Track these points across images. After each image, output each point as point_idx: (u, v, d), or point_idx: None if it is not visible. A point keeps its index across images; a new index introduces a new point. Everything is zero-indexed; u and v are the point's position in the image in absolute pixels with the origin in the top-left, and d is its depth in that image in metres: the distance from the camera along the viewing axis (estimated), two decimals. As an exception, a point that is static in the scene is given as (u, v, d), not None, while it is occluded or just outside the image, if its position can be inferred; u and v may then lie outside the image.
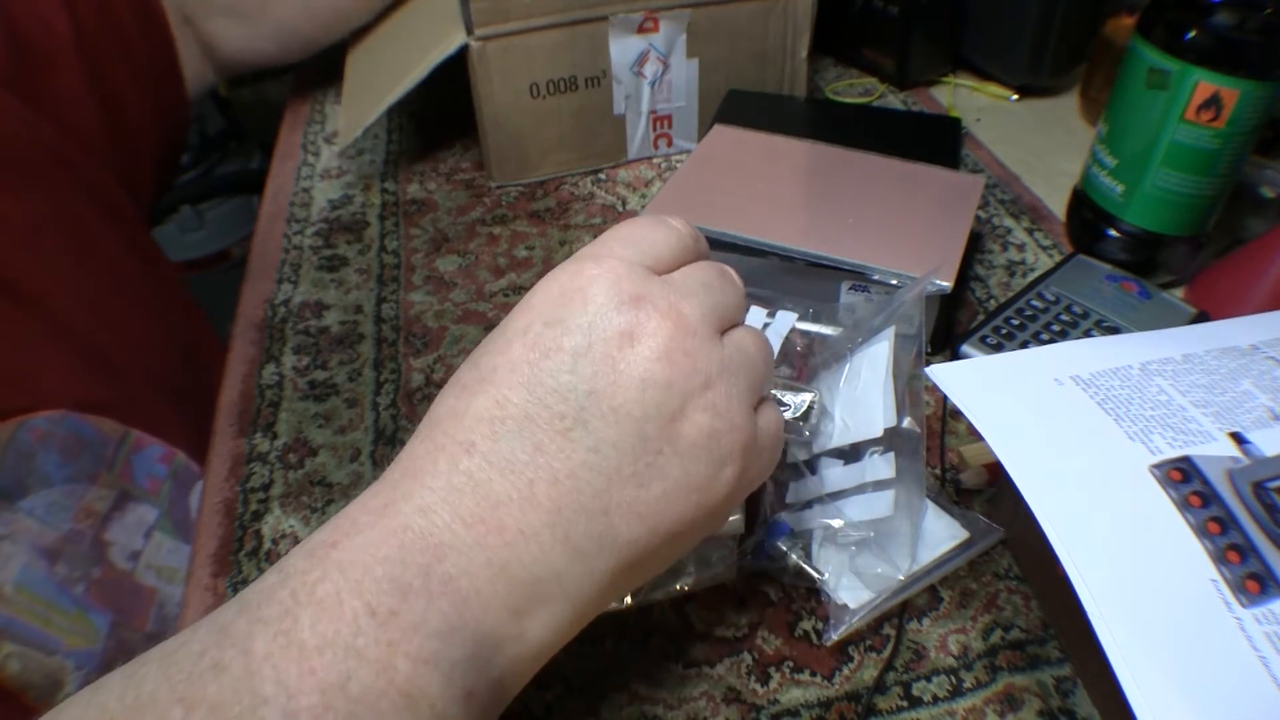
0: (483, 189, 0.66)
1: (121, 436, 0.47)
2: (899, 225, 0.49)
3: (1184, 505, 0.29)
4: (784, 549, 0.38)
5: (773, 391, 0.40)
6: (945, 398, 0.35)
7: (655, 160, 0.68)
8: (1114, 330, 0.47)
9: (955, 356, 0.48)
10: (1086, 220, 0.55)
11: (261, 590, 0.25)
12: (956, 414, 0.46)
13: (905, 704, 0.35)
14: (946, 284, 0.45)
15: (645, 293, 0.29)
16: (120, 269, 0.53)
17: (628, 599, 0.37)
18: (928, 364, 0.36)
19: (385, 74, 0.64)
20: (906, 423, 0.39)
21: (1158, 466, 0.30)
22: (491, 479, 0.27)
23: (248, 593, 0.26)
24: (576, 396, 0.27)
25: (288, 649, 0.23)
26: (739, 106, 0.64)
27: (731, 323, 0.31)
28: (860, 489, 0.39)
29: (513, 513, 0.27)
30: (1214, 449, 0.30)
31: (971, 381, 0.34)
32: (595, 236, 0.62)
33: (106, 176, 0.54)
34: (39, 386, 0.45)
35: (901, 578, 0.37)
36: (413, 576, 0.25)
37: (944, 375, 0.35)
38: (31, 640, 0.42)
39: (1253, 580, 0.27)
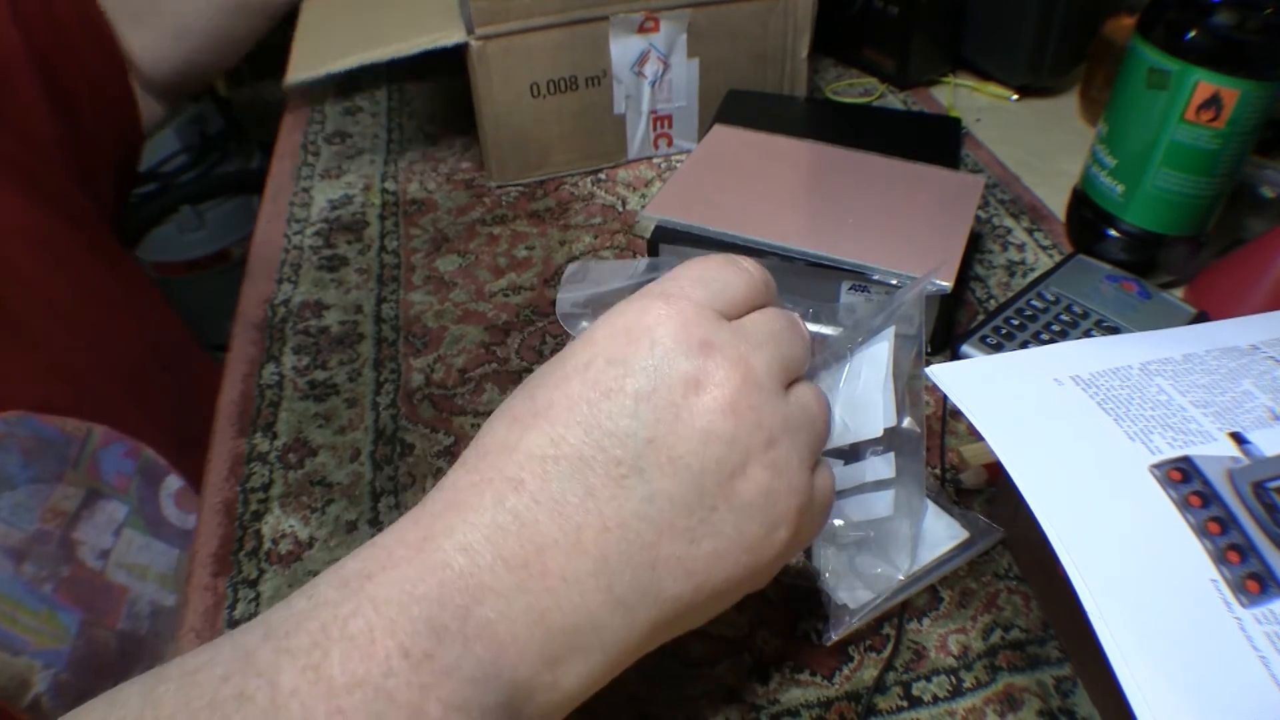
0: (483, 189, 0.66)
1: (85, 434, 0.47)
2: (899, 225, 0.49)
3: (1184, 505, 0.29)
4: (784, 549, 0.37)
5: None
6: (945, 398, 0.35)
7: (655, 160, 0.68)
8: (1114, 330, 0.47)
9: (955, 356, 0.48)
10: (1086, 220, 0.55)
11: (289, 617, 0.24)
12: (956, 414, 0.46)
13: (905, 704, 0.35)
14: (946, 284, 0.45)
15: (714, 339, 0.27)
16: (82, 271, 0.53)
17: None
18: (928, 364, 0.36)
19: (361, 33, 0.63)
20: (906, 423, 0.39)
21: (1158, 466, 0.30)
22: (539, 520, 0.26)
23: (274, 616, 0.25)
24: (635, 443, 0.26)
25: (316, 684, 0.23)
26: (739, 106, 0.64)
27: (797, 375, 0.30)
28: (860, 489, 0.38)
29: (557, 558, 0.26)
30: (1214, 449, 0.30)
31: (971, 381, 0.34)
32: (595, 236, 0.63)
33: (67, 184, 0.54)
34: None
35: (901, 578, 0.37)
36: (450, 618, 0.24)
37: (944, 375, 0.35)
38: None
39: (1253, 580, 0.27)
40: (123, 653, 0.47)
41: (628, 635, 0.27)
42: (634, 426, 0.26)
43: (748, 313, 0.30)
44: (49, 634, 0.44)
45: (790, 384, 0.30)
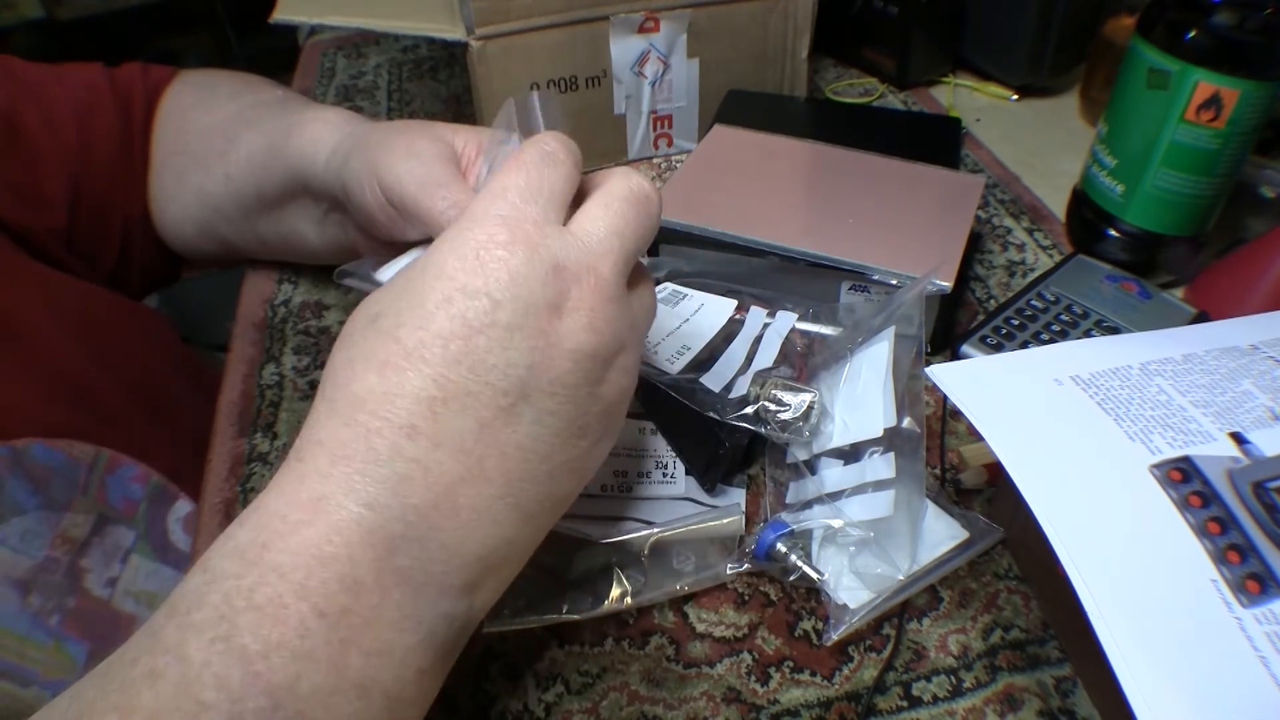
0: (483, 189, 0.66)
1: (93, 459, 0.47)
2: (899, 225, 0.49)
3: (1184, 505, 0.29)
4: (784, 549, 0.38)
5: (773, 392, 0.40)
6: (945, 398, 0.35)
7: (655, 160, 0.68)
8: (1114, 330, 0.47)
9: (955, 356, 0.48)
10: (1086, 220, 0.55)
11: (188, 594, 0.24)
12: (956, 414, 0.46)
13: (905, 704, 0.35)
14: (946, 284, 0.45)
15: (563, 259, 0.28)
16: (88, 293, 0.54)
17: (628, 599, 0.38)
18: (928, 364, 0.36)
19: (362, 2, 0.62)
20: (906, 423, 0.39)
21: (1158, 466, 0.30)
22: (441, 461, 0.26)
23: (174, 596, 0.25)
24: (516, 372, 0.27)
25: (227, 654, 0.23)
26: (739, 106, 0.64)
27: (637, 253, 0.31)
28: (860, 489, 0.39)
29: (466, 493, 0.27)
30: (1214, 449, 0.30)
31: (971, 381, 0.34)
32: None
33: (73, 259, 0.54)
34: (3, 415, 0.45)
35: (901, 578, 0.37)
36: (364, 573, 0.25)
37: (944, 375, 0.35)
38: (6, 673, 0.42)
39: (1253, 580, 0.27)
40: None
41: (532, 541, 0.30)
42: (513, 357, 0.27)
43: (574, 199, 0.31)
44: (57, 666, 0.44)
45: (633, 281, 0.31)
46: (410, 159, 0.38)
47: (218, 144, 0.53)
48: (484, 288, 0.27)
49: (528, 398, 0.28)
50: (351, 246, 0.48)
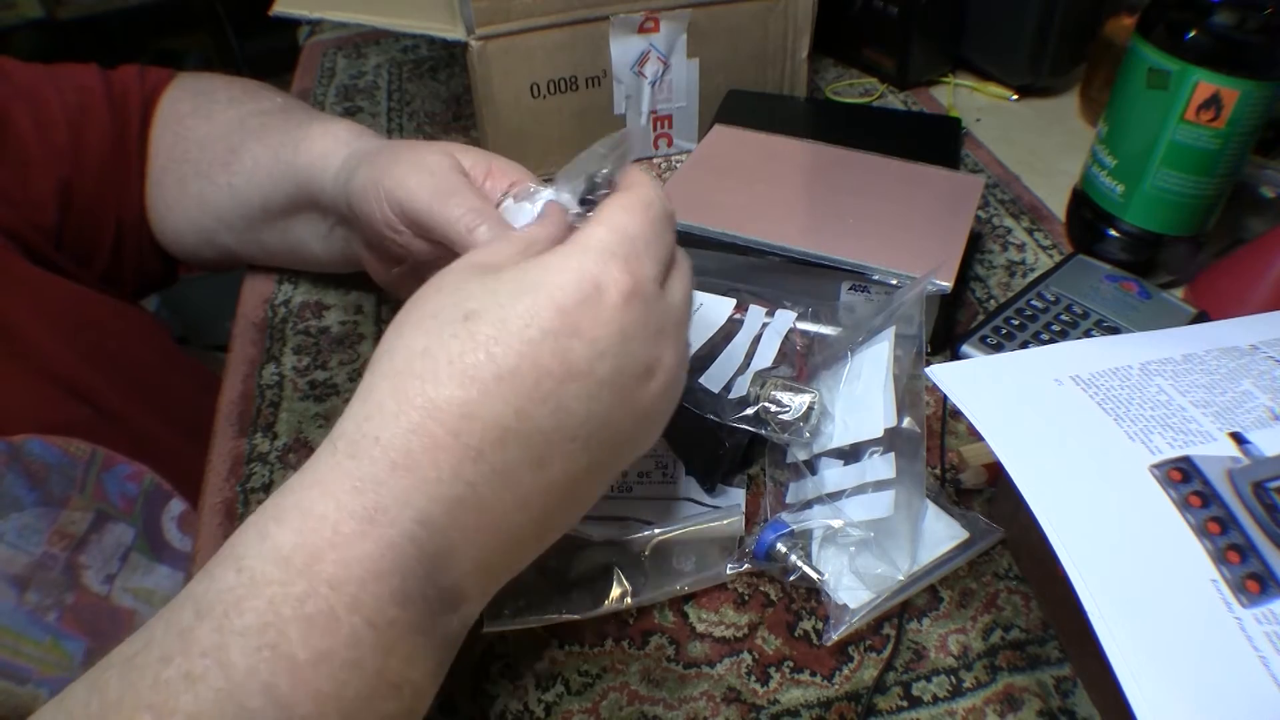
0: (483, 189, 0.66)
1: (90, 456, 0.47)
2: (899, 225, 0.49)
3: (1184, 505, 0.29)
4: (784, 549, 0.38)
5: (773, 392, 0.40)
6: (945, 398, 0.35)
7: (655, 160, 0.68)
8: (1114, 330, 0.47)
9: (955, 356, 0.48)
10: (1086, 220, 0.55)
11: (222, 595, 0.24)
12: (956, 414, 0.46)
13: (905, 704, 0.35)
14: (946, 284, 0.45)
15: (665, 325, 0.30)
16: (83, 290, 0.54)
17: (628, 599, 0.38)
18: (928, 364, 0.36)
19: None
20: (906, 423, 0.39)
21: (1158, 466, 0.30)
22: (496, 490, 0.27)
23: (199, 591, 0.24)
24: (593, 423, 0.28)
25: (275, 661, 0.23)
26: (739, 106, 0.64)
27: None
28: (860, 489, 0.39)
29: (507, 522, 0.27)
30: (1214, 449, 0.30)
31: (971, 381, 0.34)
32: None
33: (64, 259, 0.54)
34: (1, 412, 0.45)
35: (901, 578, 0.37)
36: (413, 586, 0.25)
37: (944, 375, 0.35)
38: (2, 670, 0.42)
39: (1253, 580, 0.27)
40: None
41: (541, 551, 0.31)
42: (594, 409, 0.28)
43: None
44: (53, 663, 0.44)
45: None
46: (421, 172, 0.39)
47: (219, 153, 0.53)
48: (594, 335, 0.27)
49: (589, 447, 0.28)
50: (356, 260, 0.48)
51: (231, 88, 0.58)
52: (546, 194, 0.37)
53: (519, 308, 0.27)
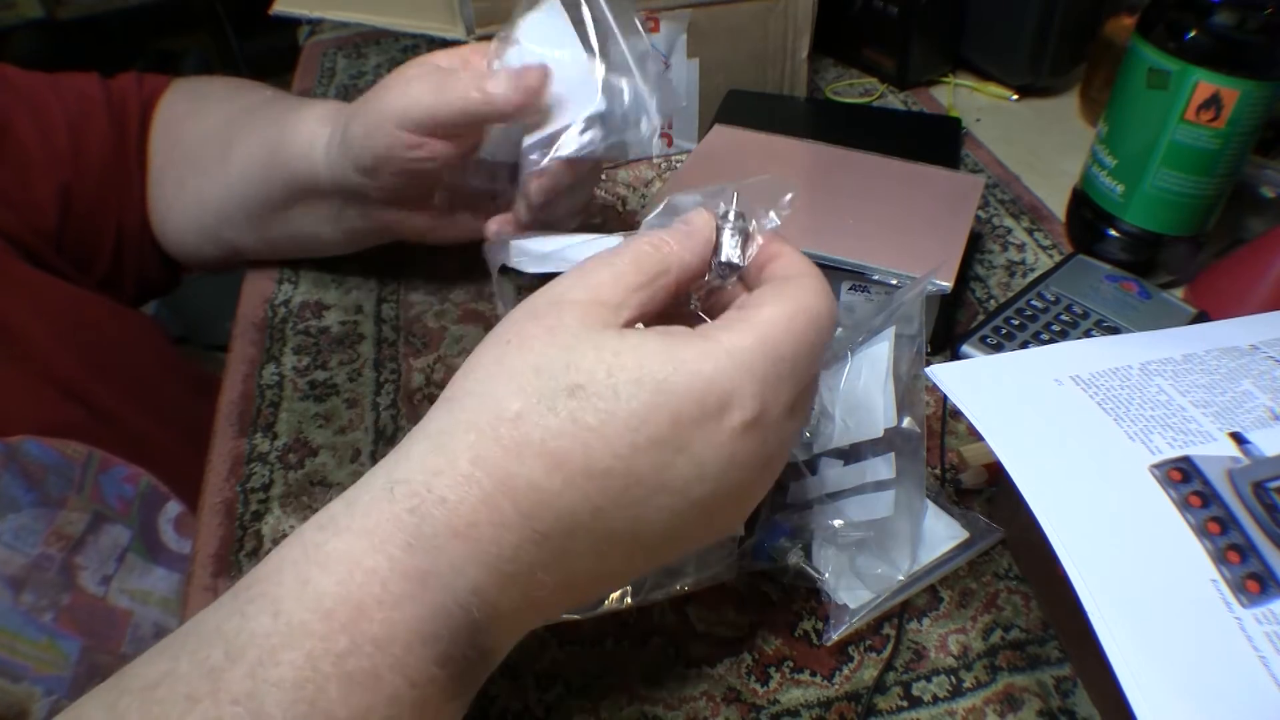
0: (483, 189, 0.66)
1: (87, 458, 0.47)
2: (899, 225, 0.49)
3: (1184, 505, 0.29)
4: (784, 549, 0.38)
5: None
6: (945, 398, 0.35)
7: (655, 160, 0.67)
8: (1114, 330, 0.47)
9: (955, 356, 0.48)
10: (1086, 220, 0.55)
11: (256, 638, 0.23)
12: (956, 414, 0.46)
13: (905, 704, 0.35)
14: (946, 284, 0.45)
15: (777, 454, 0.28)
16: (81, 292, 0.54)
17: (628, 599, 0.38)
18: (928, 364, 0.36)
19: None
20: (906, 423, 0.39)
21: (1158, 466, 0.30)
22: (552, 574, 0.26)
23: (230, 630, 0.23)
24: (666, 534, 0.26)
25: (312, 717, 0.22)
26: (739, 106, 0.64)
27: None
28: (860, 489, 0.38)
29: (550, 599, 0.27)
30: (1214, 449, 0.30)
31: (971, 381, 0.34)
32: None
33: (64, 262, 0.55)
34: None
35: (901, 578, 0.37)
36: (456, 650, 0.25)
37: (944, 375, 0.35)
38: None
39: (1253, 580, 0.27)
40: None
41: None
42: (673, 524, 0.26)
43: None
44: (49, 662, 0.44)
45: None
46: (409, 84, 0.41)
47: (214, 151, 0.53)
48: (702, 458, 0.25)
49: (653, 548, 0.27)
50: (378, 230, 0.49)
51: (225, 86, 0.59)
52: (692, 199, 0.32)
53: (633, 405, 0.24)
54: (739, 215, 0.31)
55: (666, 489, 0.25)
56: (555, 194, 0.44)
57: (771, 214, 0.31)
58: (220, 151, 0.53)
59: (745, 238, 0.30)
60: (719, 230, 0.30)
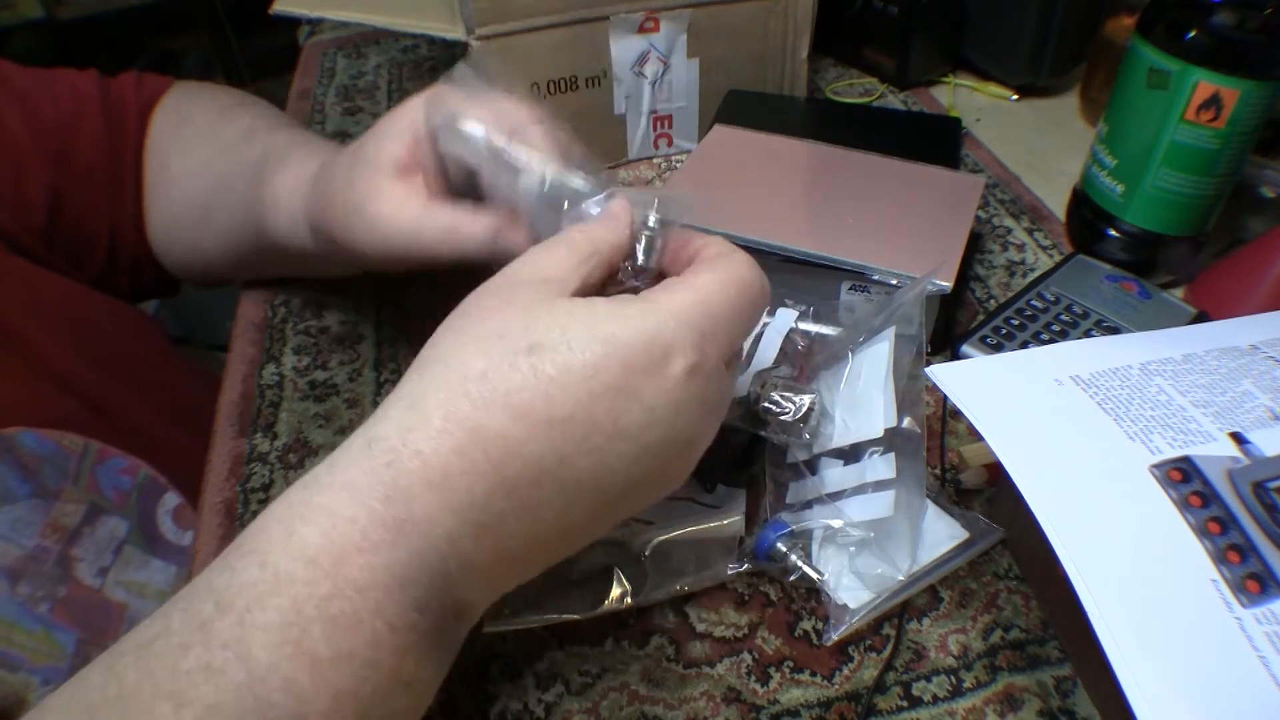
0: (483, 189, 0.66)
1: (83, 449, 0.47)
2: (899, 225, 0.49)
3: (1184, 505, 0.29)
4: (784, 549, 0.38)
5: (773, 393, 0.40)
6: (945, 398, 0.35)
7: (655, 160, 0.68)
8: (1114, 330, 0.47)
9: (955, 356, 0.48)
10: (1086, 220, 0.55)
11: (244, 588, 0.24)
12: (956, 414, 0.46)
13: (905, 704, 0.35)
14: (946, 284, 0.45)
15: (718, 405, 0.30)
16: (75, 284, 0.54)
17: (628, 599, 0.38)
18: (928, 364, 0.36)
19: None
20: (906, 423, 0.39)
21: (1158, 466, 0.30)
22: (522, 524, 0.27)
23: (220, 584, 0.24)
24: (626, 482, 0.28)
25: (297, 658, 0.23)
26: (739, 106, 0.64)
27: None
28: (860, 489, 0.39)
29: (524, 549, 0.28)
30: (1214, 449, 0.30)
31: (971, 381, 0.34)
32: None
33: (56, 258, 0.55)
34: None
35: (901, 578, 0.37)
36: (432, 598, 0.26)
37: (944, 375, 0.35)
38: None
39: (1253, 580, 0.27)
40: None
41: None
42: (631, 471, 0.28)
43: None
44: (45, 653, 0.44)
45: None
46: (378, 205, 0.38)
47: (197, 208, 0.53)
48: (652, 404, 0.27)
49: (615, 498, 0.29)
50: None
51: (208, 112, 0.57)
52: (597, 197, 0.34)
53: (587, 355, 0.27)
54: (659, 223, 0.33)
55: (623, 435, 0.27)
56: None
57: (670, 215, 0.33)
58: (203, 207, 0.53)
59: (652, 243, 0.33)
60: (635, 235, 0.33)
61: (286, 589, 0.24)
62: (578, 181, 0.35)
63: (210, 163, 0.53)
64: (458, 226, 0.38)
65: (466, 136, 0.36)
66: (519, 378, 0.26)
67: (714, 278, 0.29)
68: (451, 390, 0.26)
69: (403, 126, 0.39)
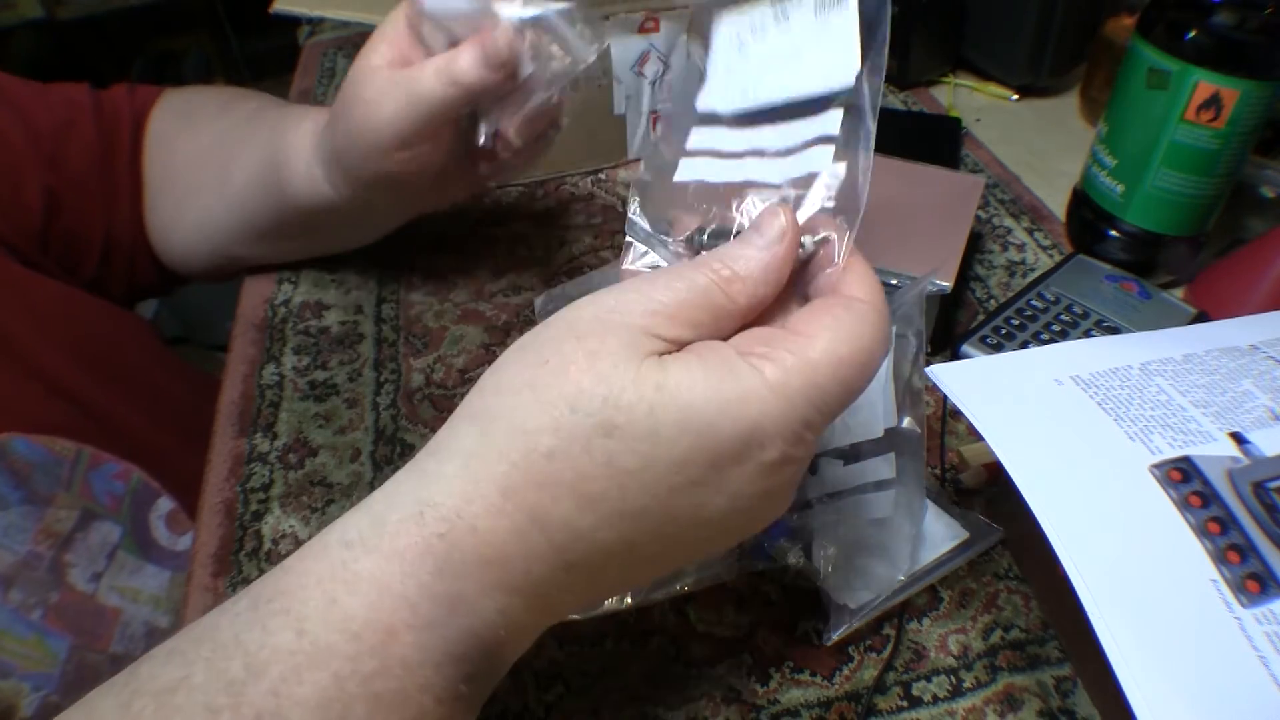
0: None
1: (75, 455, 0.47)
2: (899, 225, 0.49)
3: (1184, 505, 0.29)
4: (784, 549, 0.38)
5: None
6: (945, 398, 0.35)
7: (655, 160, 0.67)
8: (1114, 330, 0.47)
9: (955, 356, 0.48)
10: (1086, 220, 0.55)
11: (279, 655, 0.23)
12: (956, 414, 0.46)
13: (905, 704, 0.35)
14: (946, 284, 0.45)
15: (798, 480, 0.27)
16: (68, 289, 0.54)
17: (628, 599, 0.38)
18: (928, 364, 0.36)
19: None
20: (906, 423, 0.39)
21: (1158, 466, 0.30)
22: (572, 591, 0.26)
23: (250, 643, 0.23)
24: (687, 553, 0.28)
25: None
26: (739, 106, 0.64)
27: None
28: (860, 489, 0.38)
29: (572, 606, 0.28)
30: (1214, 449, 0.30)
31: (971, 381, 0.34)
32: (595, 236, 0.62)
33: (50, 262, 0.55)
34: None
35: (901, 578, 0.37)
36: (480, 669, 0.25)
37: (944, 375, 0.35)
38: None
39: (1253, 580, 0.27)
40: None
41: None
42: (698, 545, 0.28)
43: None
44: (37, 659, 0.44)
45: None
46: (376, 106, 0.40)
47: (211, 173, 0.53)
48: (736, 492, 0.25)
49: (670, 563, 0.29)
50: (406, 215, 0.51)
51: (213, 99, 0.58)
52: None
53: (674, 453, 0.24)
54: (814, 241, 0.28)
55: (701, 524, 0.25)
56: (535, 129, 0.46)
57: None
58: (218, 174, 0.53)
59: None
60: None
61: (327, 663, 0.23)
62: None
63: (225, 134, 0.54)
64: (448, 61, 0.39)
65: None
66: (590, 466, 0.24)
67: (835, 351, 0.25)
68: (515, 465, 0.24)
69: (387, 29, 0.42)
